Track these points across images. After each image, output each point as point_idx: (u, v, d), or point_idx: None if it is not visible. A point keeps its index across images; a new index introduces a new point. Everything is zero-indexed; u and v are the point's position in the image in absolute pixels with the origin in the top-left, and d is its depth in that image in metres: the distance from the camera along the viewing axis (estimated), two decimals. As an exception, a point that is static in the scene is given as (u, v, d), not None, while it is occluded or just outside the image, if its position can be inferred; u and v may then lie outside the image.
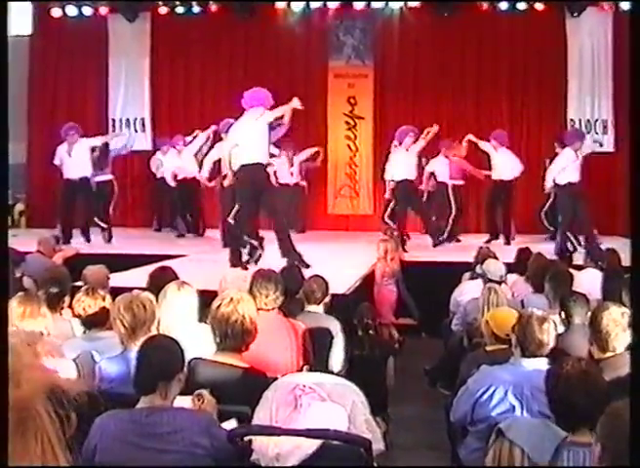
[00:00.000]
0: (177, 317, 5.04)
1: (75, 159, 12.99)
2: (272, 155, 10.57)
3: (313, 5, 15.57)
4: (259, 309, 4.78)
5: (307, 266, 8.88)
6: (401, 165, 12.67)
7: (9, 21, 13.91)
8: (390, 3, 15.51)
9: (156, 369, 3.50)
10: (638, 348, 2.70)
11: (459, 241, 13.52)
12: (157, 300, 4.94)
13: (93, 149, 13.30)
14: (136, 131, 16.44)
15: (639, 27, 2.89)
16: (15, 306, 4.53)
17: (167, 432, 3.39)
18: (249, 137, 9.45)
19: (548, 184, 12.26)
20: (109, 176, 13.80)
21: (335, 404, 3.83)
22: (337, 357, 5.61)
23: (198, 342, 4.57)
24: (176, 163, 14.12)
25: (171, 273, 6.32)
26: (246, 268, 8.97)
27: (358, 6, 15.57)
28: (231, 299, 4.37)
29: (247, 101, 9.80)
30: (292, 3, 15.57)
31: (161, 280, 5.80)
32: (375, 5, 15.57)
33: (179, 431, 3.39)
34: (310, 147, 15.03)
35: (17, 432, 1.03)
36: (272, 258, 9.20)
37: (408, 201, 12.69)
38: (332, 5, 15.54)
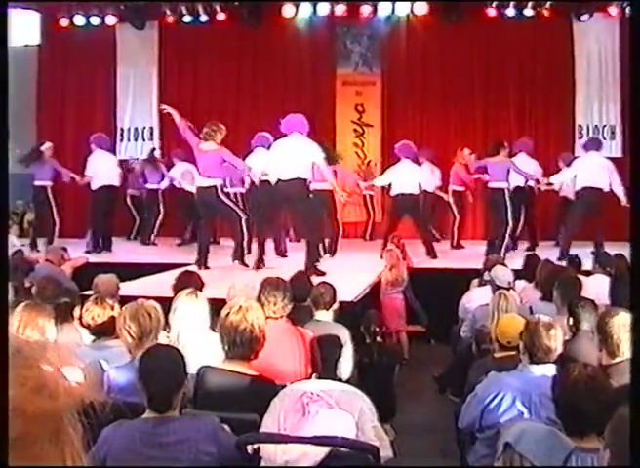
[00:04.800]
0: (188, 325, 5.06)
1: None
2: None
3: (320, 11, 15.59)
4: (267, 317, 4.78)
5: (323, 274, 9.08)
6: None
7: (16, 31, 14.06)
8: (397, 11, 15.53)
9: (171, 382, 3.50)
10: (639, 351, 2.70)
11: (462, 247, 13.53)
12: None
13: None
14: (144, 140, 16.50)
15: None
16: (15, 315, 4.54)
17: (174, 441, 3.40)
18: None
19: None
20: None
21: (342, 411, 3.83)
22: (345, 365, 5.61)
23: (210, 350, 4.59)
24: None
25: (197, 278, 6.46)
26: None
27: (365, 13, 15.60)
28: (240, 308, 4.37)
29: (287, 126, 9.90)
30: (299, 10, 15.60)
31: (187, 284, 5.89)
32: (381, 13, 15.60)
33: (185, 440, 3.40)
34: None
35: (47, 441, 1.05)
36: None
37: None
38: (338, 10, 15.53)
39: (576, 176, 11.74)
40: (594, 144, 12.01)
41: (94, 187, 12.95)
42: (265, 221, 10.55)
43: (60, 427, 1.07)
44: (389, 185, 12.36)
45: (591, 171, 11.48)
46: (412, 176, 12.00)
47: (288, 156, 9.60)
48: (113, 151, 14.10)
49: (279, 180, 9.70)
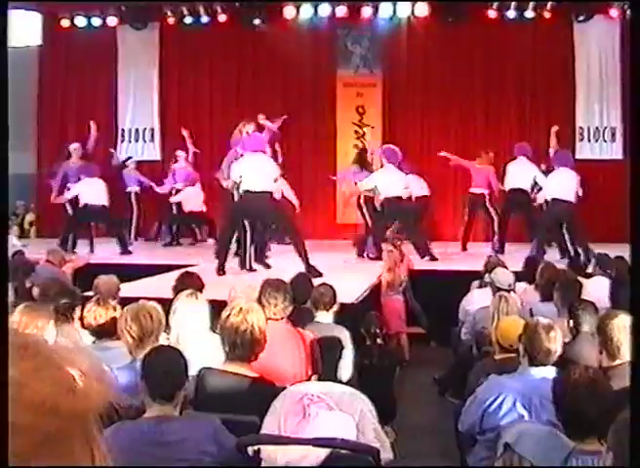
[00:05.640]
0: (188, 326, 5.06)
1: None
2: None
3: (321, 13, 15.59)
4: (267, 319, 4.78)
5: (320, 275, 9.08)
6: None
7: (17, 32, 14.07)
8: (398, 12, 15.53)
9: (176, 378, 3.53)
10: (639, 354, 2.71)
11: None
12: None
13: None
14: (144, 141, 16.51)
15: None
16: (15, 316, 4.55)
17: (175, 441, 3.40)
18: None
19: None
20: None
21: (343, 413, 3.83)
22: (346, 366, 5.61)
23: (210, 352, 4.59)
24: None
25: (196, 279, 6.48)
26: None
27: (366, 14, 15.61)
28: (240, 309, 4.37)
29: (246, 146, 10.29)
30: (300, 12, 15.60)
31: (187, 285, 5.90)
32: (382, 14, 15.61)
33: (186, 440, 3.40)
34: (318, 156, 15.11)
35: (78, 440, 1.07)
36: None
37: None
38: (339, 12, 15.53)
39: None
40: (564, 160, 12.09)
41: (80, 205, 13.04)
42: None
43: (89, 428, 1.09)
44: (374, 189, 12.38)
45: (561, 184, 11.66)
46: (397, 180, 11.99)
47: (258, 171, 9.85)
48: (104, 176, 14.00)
49: (248, 191, 9.88)
